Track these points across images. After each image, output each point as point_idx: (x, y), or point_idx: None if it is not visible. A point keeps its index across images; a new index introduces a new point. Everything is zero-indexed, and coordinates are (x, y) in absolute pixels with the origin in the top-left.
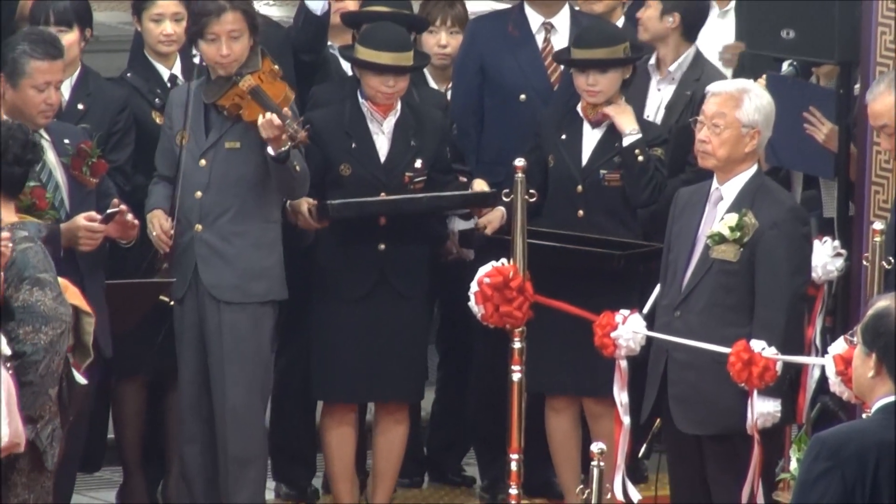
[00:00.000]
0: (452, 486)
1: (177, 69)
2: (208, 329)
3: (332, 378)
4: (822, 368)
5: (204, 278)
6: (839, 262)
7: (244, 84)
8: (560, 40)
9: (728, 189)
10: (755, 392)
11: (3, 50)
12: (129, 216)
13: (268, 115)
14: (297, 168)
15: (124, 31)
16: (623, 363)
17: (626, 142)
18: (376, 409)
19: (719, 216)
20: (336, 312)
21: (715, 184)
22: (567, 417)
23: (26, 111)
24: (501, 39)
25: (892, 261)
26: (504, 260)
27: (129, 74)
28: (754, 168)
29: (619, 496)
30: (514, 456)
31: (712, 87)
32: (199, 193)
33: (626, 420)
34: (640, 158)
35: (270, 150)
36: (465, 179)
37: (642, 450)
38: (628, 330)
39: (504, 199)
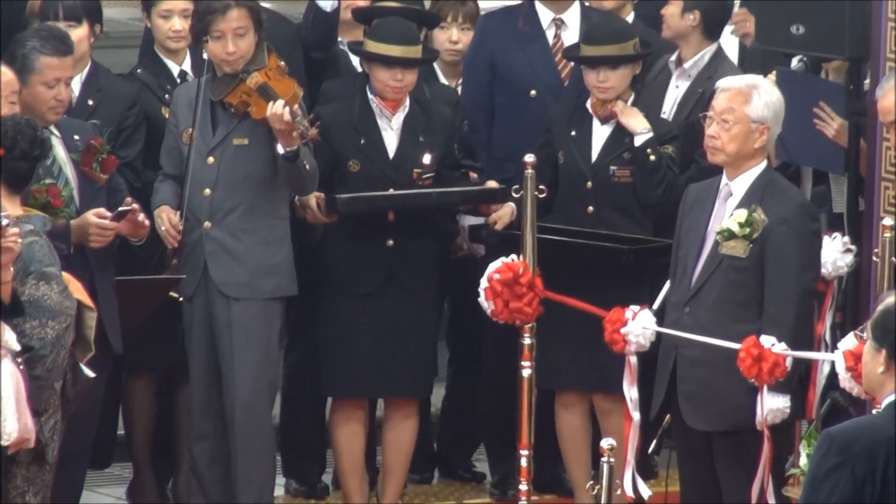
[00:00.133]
0: (462, 481)
1: (187, 65)
2: (218, 326)
3: (341, 374)
4: (832, 364)
5: (213, 275)
6: (849, 258)
7: (251, 81)
8: (570, 36)
9: (737, 185)
10: (765, 388)
11: (13, 46)
12: (141, 216)
13: (276, 104)
14: (307, 166)
15: (134, 28)
16: (633, 359)
17: (637, 141)
18: (386, 405)
19: (729, 212)
20: (345, 308)
21: (724, 180)
22: (577, 413)
23: (36, 107)
24: (512, 35)
25: None
26: (514, 256)
27: (139, 70)
28: (764, 164)
29: (629, 492)
30: (524, 452)
31: (721, 83)
32: (207, 191)
33: (636, 416)
34: (652, 158)
35: (280, 148)
36: (475, 175)
37: (652, 446)
38: (638, 326)
39: (514, 194)
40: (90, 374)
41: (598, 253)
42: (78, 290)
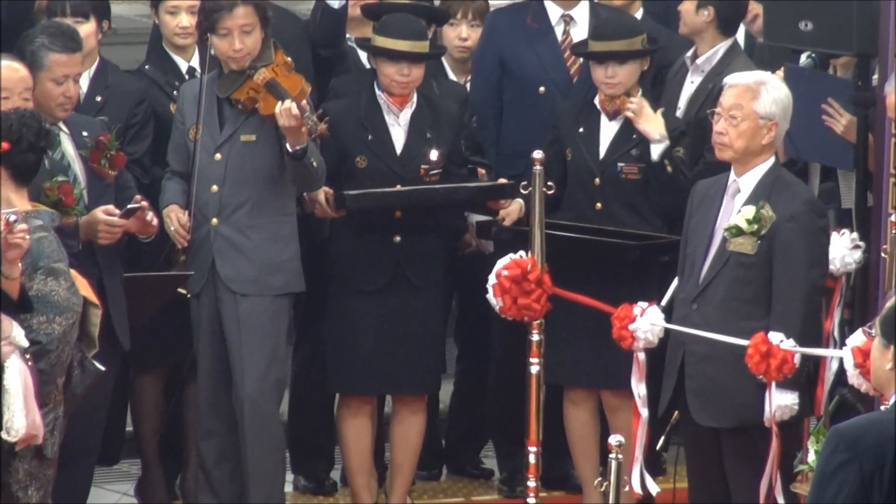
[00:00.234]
0: (471, 478)
1: (195, 62)
2: (226, 322)
3: (348, 370)
4: (841, 360)
5: (221, 272)
6: (857, 254)
7: (259, 77)
8: (579, 32)
9: (745, 181)
10: (773, 384)
11: (22, 43)
12: (150, 214)
13: (286, 102)
14: (314, 164)
15: (142, 24)
16: (641, 355)
17: (654, 152)
18: (393, 402)
19: (737, 209)
20: (352, 304)
21: (732, 176)
22: (585, 410)
23: (45, 104)
24: (521, 32)
25: None
26: (522, 252)
27: (146, 67)
28: (771, 160)
29: (637, 489)
30: (533, 448)
31: (729, 79)
32: (215, 187)
33: (644, 412)
34: (669, 169)
35: (288, 147)
36: (483, 172)
37: (660, 442)
38: (646, 322)
39: (522, 191)
40: (100, 367)
41: (606, 249)
42: (83, 287)
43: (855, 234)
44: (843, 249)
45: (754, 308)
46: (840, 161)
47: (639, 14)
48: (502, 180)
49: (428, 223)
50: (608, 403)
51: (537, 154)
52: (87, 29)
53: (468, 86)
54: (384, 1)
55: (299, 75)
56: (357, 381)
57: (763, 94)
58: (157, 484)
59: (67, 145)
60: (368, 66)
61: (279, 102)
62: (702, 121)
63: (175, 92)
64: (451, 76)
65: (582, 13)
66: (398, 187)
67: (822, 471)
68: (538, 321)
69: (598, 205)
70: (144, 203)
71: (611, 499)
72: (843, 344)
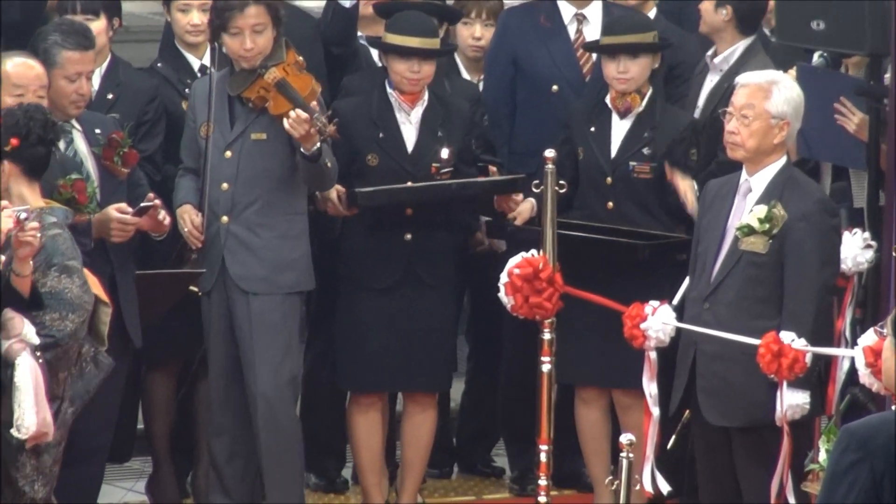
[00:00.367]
0: (482, 476)
1: (207, 59)
2: (237, 320)
3: (359, 368)
4: (852, 360)
5: (231, 270)
6: (869, 254)
7: (269, 77)
8: (592, 31)
9: (757, 181)
10: (784, 384)
11: (35, 40)
12: (162, 213)
13: (294, 112)
14: (329, 165)
15: (155, 22)
16: (653, 354)
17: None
18: (404, 400)
19: (748, 208)
20: (363, 302)
21: (744, 175)
22: (597, 409)
23: (58, 101)
24: (533, 31)
25: None
26: (534, 251)
27: (159, 65)
28: (783, 160)
29: (648, 487)
30: (544, 447)
31: (741, 78)
32: (225, 185)
33: (656, 411)
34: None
35: (302, 150)
36: (495, 169)
37: (671, 441)
38: (658, 321)
39: (534, 189)
40: (111, 360)
41: (616, 249)
42: (94, 285)
43: (867, 234)
44: (855, 249)
45: (766, 307)
46: (853, 160)
47: (652, 13)
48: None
49: (439, 221)
50: (619, 402)
51: (549, 153)
52: (97, 26)
53: (481, 85)
54: None
55: (310, 75)
56: (366, 379)
57: (775, 93)
58: (168, 481)
59: (80, 143)
60: (380, 65)
61: (286, 116)
62: (716, 120)
63: (187, 90)
64: (465, 75)
65: (595, 12)
66: (409, 184)
67: (832, 470)
68: (550, 320)
69: (610, 204)
70: (157, 201)
71: (622, 498)
72: (854, 343)
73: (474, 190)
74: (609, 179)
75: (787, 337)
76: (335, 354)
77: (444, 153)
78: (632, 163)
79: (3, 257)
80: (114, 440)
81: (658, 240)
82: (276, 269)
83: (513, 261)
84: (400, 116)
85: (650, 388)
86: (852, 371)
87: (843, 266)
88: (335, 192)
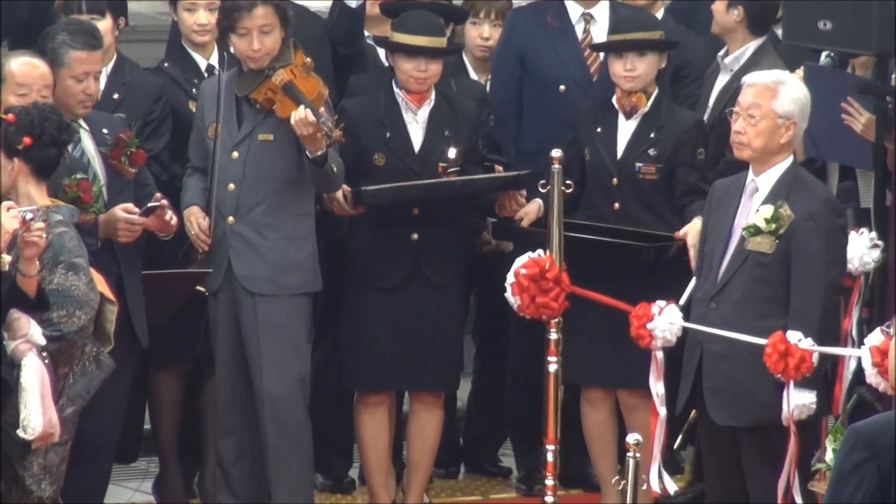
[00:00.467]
0: (489, 476)
1: (214, 59)
2: (244, 321)
3: (365, 367)
4: (859, 360)
5: (237, 271)
6: (876, 254)
7: (277, 78)
8: (599, 31)
9: (764, 181)
10: (791, 383)
11: (43, 40)
12: (169, 213)
13: (301, 109)
14: (335, 168)
15: (161, 21)
16: (659, 354)
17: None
18: (411, 400)
19: (755, 208)
20: (369, 302)
21: (750, 175)
22: (603, 409)
23: (65, 101)
24: (541, 30)
25: None
26: (540, 251)
27: (166, 64)
28: (790, 159)
29: (655, 487)
30: (551, 447)
31: (748, 78)
32: (232, 186)
33: (663, 411)
34: None
35: (308, 154)
36: (500, 169)
37: (678, 441)
38: (664, 321)
39: (541, 189)
40: (112, 361)
41: (622, 251)
42: (100, 283)
43: (874, 233)
44: (862, 248)
45: (772, 307)
46: (860, 160)
47: (659, 14)
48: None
49: (446, 220)
50: (625, 403)
51: (556, 153)
52: (103, 26)
53: (488, 85)
54: None
55: (317, 78)
56: (373, 378)
57: (781, 93)
58: (175, 482)
59: (87, 143)
60: (387, 64)
61: (294, 111)
62: (724, 119)
63: (194, 90)
64: (473, 75)
65: (602, 12)
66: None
67: (839, 470)
68: (556, 319)
69: (616, 205)
70: (164, 201)
71: (629, 498)
72: (861, 343)
73: (479, 186)
74: (615, 180)
75: (794, 337)
76: (341, 354)
77: (451, 153)
78: (638, 164)
79: (10, 257)
80: (120, 440)
81: (664, 241)
82: (281, 271)
83: (519, 260)
84: (407, 116)
85: (657, 387)
86: (859, 371)
87: (849, 266)
88: (341, 191)
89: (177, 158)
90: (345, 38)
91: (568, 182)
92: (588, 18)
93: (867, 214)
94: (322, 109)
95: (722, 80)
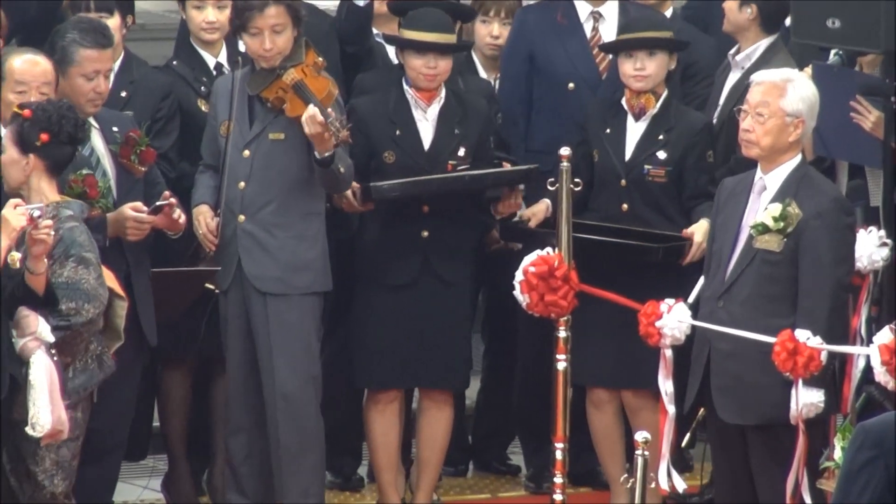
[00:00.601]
0: (497, 474)
1: (223, 57)
2: (255, 320)
3: (375, 365)
4: (868, 358)
5: (246, 269)
6: (885, 252)
7: (288, 78)
8: (608, 29)
9: (772, 179)
10: (800, 382)
11: (53, 38)
12: (178, 211)
13: (310, 109)
14: (342, 169)
15: (170, 20)
16: (668, 352)
17: None
18: (420, 398)
19: (763, 206)
20: (379, 299)
21: (759, 174)
22: (608, 411)
23: (75, 99)
24: (550, 28)
25: None
26: (549, 249)
27: (174, 63)
28: (798, 158)
29: (664, 485)
30: (559, 445)
31: (756, 77)
32: (242, 184)
33: (672, 409)
34: None
35: (316, 154)
36: (508, 165)
37: (686, 439)
38: (673, 319)
39: (549, 188)
40: (113, 363)
41: (630, 251)
42: (110, 279)
43: (882, 232)
44: (871, 247)
45: (780, 305)
46: (869, 158)
47: (668, 13)
48: None
49: (455, 217)
50: (629, 405)
51: (565, 151)
52: (111, 24)
53: (496, 83)
54: None
55: (328, 78)
56: (383, 375)
57: (790, 91)
58: (184, 480)
59: (97, 141)
60: (396, 62)
61: (305, 109)
62: (734, 117)
63: (203, 88)
64: (482, 73)
65: (611, 10)
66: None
67: (848, 468)
68: (565, 318)
69: (625, 206)
70: (172, 200)
71: (637, 496)
72: (870, 341)
73: (488, 181)
74: (624, 182)
75: (803, 335)
76: (351, 352)
77: (461, 150)
78: (646, 166)
79: (20, 254)
80: (129, 438)
81: (672, 241)
82: (291, 270)
83: (528, 259)
84: (417, 114)
85: (666, 386)
86: (868, 369)
87: (858, 264)
88: (350, 189)
89: (185, 156)
90: (353, 36)
91: (577, 180)
92: (597, 17)
93: (876, 213)
94: (331, 109)
95: (733, 78)
